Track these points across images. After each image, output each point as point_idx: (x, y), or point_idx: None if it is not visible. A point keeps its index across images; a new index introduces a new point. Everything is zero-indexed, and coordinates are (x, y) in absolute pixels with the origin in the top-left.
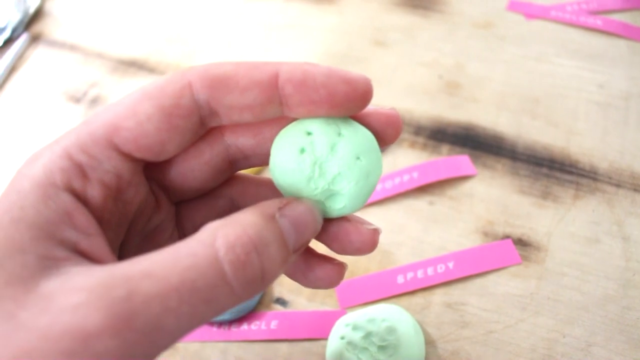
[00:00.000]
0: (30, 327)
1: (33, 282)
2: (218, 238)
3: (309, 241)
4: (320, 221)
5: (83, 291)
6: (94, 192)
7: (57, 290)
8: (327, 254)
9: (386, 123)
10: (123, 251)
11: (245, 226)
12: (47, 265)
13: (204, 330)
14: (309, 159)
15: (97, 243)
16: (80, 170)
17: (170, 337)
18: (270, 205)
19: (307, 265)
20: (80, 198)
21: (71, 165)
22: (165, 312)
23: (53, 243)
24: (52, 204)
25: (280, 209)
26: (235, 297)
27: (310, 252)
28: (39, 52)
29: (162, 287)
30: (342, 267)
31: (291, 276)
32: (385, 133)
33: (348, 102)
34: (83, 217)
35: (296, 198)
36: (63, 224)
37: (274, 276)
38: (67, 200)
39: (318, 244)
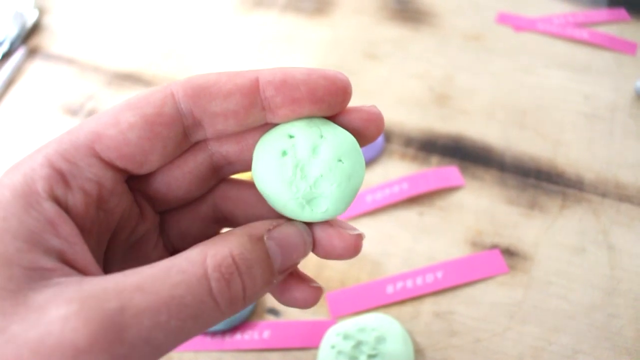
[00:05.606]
0: (21, 341)
1: (21, 295)
2: (208, 257)
3: (297, 263)
4: (309, 243)
5: (74, 302)
6: (76, 200)
7: (48, 302)
8: (306, 275)
9: (368, 120)
10: (108, 261)
11: (232, 247)
12: (34, 276)
13: (198, 340)
14: (290, 162)
15: (81, 252)
16: (62, 178)
17: (158, 351)
18: (259, 226)
19: (284, 284)
20: (62, 206)
21: (52, 173)
22: (155, 326)
23: (39, 253)
24: (35, 213)
25: (269, 230)
26: (220, 314)
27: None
28: (36, 66)
29: (153, 302)
30: (318, 290)
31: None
32: (367, 130)
33: (329, 97)
34: (66, 226)
35: (287, 220)
36: (47, 233)
37: (256, 296)
38: (50, 208)
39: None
